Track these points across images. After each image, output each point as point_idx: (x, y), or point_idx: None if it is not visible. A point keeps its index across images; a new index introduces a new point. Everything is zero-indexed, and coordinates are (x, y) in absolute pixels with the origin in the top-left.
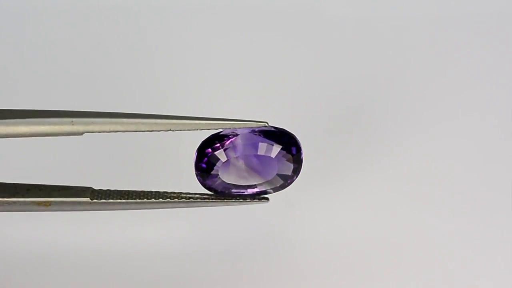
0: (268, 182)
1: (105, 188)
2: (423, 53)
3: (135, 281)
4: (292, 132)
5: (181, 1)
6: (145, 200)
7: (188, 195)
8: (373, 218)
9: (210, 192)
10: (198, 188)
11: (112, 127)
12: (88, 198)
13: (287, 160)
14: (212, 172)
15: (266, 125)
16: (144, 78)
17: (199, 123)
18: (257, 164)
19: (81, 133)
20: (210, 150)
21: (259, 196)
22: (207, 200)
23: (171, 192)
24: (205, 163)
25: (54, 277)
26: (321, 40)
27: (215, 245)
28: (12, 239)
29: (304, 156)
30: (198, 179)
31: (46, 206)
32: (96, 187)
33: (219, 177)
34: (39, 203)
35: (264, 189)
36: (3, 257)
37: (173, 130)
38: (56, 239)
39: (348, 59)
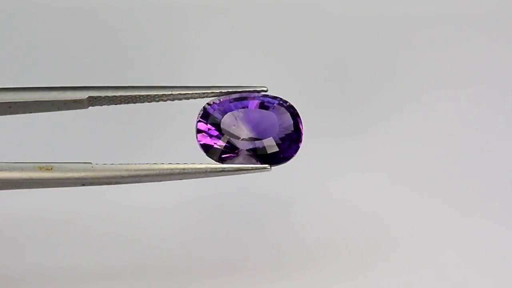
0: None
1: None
2: (423, 50)
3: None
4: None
5: None
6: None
7: (191, 168)
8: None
9: (213, 164)
10: (200, 157)
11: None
12: (90, 164)
13: (286, 115)
14: (214, 136)
15: (265, 89)
16: (147, 51)
17: (201, 92)
18: (257, 117)
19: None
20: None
21: (261, 165)
22: (209, 171)
23: (175, 164)
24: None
25: (53, 240)
26: (320, 37)
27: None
28: (14, 203)
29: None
30: (201, 145)
31: (48, 170)
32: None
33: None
34: (40, 168)
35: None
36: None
37: (174, 96)
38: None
39: (347, 57)
